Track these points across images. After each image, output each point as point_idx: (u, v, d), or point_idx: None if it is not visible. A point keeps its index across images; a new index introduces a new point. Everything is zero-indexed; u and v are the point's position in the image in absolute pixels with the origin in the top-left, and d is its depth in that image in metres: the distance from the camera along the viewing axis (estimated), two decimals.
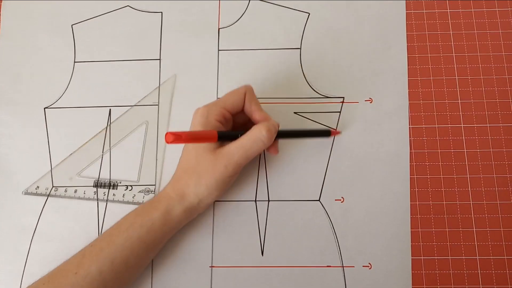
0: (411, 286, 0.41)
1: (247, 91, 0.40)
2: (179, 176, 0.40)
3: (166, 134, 0.34)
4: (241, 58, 0.47)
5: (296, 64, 0.47)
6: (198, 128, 0.38)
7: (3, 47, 0.49)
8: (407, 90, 0.46)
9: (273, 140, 0.39)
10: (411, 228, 0.43)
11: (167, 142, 0.34)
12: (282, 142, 0.45)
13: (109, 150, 0.46)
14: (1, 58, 0.49)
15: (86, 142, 0.46)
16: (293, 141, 0.45)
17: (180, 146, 0.45)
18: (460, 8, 0.48)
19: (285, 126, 0.45)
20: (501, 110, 0.45)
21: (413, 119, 0.45)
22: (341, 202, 0.44)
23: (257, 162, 0.44)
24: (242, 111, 0.41)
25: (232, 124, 0.41)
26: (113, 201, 0.44)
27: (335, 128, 0.45)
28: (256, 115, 0.40)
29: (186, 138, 0.35)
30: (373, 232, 0.43)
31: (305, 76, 0.47)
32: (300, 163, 0.44)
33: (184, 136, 0.34)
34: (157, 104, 0.47)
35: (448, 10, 0.48)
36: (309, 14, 0.48)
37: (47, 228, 0.44)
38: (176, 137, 0.34)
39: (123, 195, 0.44)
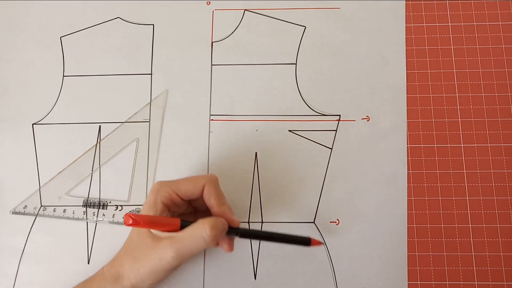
0: None
1: (206, 184, 0.37)
2: (118, 255, 0.38)
3: (125, 215, 0.33)
4: (235, 73, 0.46)
5: (291, 80, 0.46)
6: (145, 206, 0.36)
7: None
8: (406, 108, 0.45)
9: (222, 237, 0.36)
10: (407, 252, 0.42)
11: (125, 225, 0.33)
12: (275, 162, 0.43)
13: (98, 168, 0.44)
14: None
15: (75, 160, 0.45)
16: (288, 161, 0.44)
17: (174, 165, 0.44)
18: (462, 22, 0.47)
19: (280, 144, 0.44)
20: (503, 129, 0.44)
21: (411, 138, 0.44)
22: (336, 224, 0.42)
23: (251, 182, 0.43)
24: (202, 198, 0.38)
25: (185, 208, 0.39)
26: (102, 221, 0.43)
27: (330, 146, 0.44)
28: (214, 210, 0.37)
29: (144, 224, 0.33)
30: (368, 256, 0.42)
31: (301, 92, 0.45)
32: (294, 183, 0.43)
33: (143, 222, 0.33)
34: (148, 121, 0.45)
35: (449, 24, 0.47)
36: (305, 27, 0.47)
37: (36, 248, 0.43)
38: (134, 222, 0.33)
39: (113, 215, 0.43)
